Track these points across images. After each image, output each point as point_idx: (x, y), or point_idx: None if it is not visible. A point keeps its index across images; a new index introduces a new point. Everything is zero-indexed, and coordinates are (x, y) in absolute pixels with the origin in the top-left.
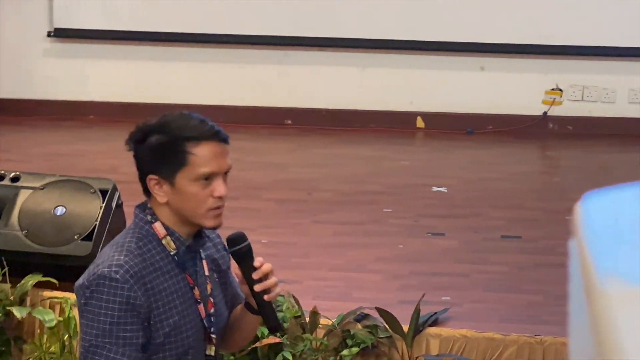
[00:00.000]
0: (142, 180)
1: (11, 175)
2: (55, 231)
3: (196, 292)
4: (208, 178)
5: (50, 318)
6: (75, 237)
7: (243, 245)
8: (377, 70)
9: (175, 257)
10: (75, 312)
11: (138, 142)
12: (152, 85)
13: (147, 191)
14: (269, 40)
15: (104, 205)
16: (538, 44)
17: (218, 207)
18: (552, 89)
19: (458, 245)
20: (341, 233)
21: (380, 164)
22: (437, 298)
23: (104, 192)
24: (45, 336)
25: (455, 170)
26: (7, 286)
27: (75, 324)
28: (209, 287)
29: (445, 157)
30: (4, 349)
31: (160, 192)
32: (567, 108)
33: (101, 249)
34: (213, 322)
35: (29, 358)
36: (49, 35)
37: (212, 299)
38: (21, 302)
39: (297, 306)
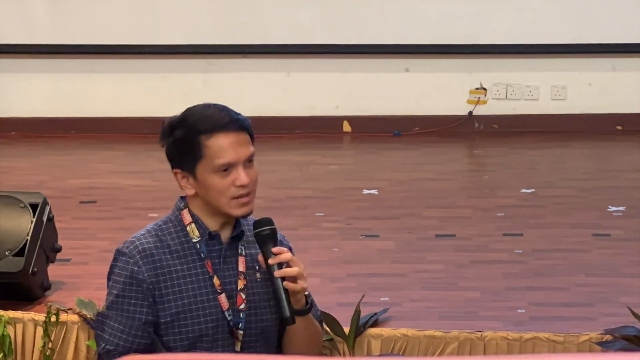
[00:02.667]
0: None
1: None
2: None
3: (216, 281)
4: (227, 168)
5: None
6: (7, 252)
7: (265, 228)
8: (302, 75)
9: (197, 245)
10: (9, 330)
11: (165, 138)
12: (74, 99)
13: None
14: (193, 49)
15: (34, 219)
16: (461, 44)
17: (242, 196)
18: (477, 88)
19: (393, 246)
20: None
21: (310, 169)
22: (376, 299)
23: (34, 206)
24: None
25: (385, 172)
26: None
27: (10, 342)
28: (240, 283)
29: (373, 159)
30: None
31: (188, 185)
32: (492, 107)
33: (33, 264)
34: (242, 318)
35: None
36: None
37: (243, 296)
38: None
39: None
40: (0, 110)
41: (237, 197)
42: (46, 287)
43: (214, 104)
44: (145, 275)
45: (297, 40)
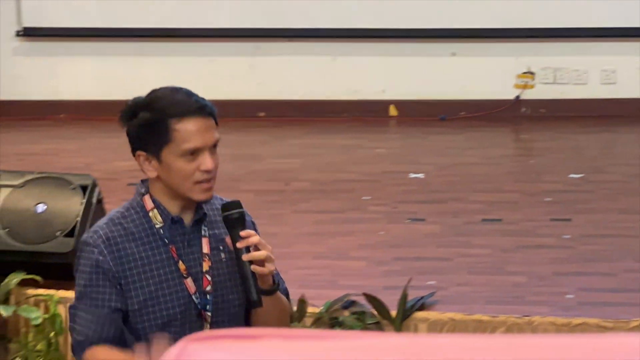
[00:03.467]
0: (135, 156)
1: None
2: (36, 228)
3: (181, 266)
4: (193, 153)
5: (36, 316)
6: (57, 233)
7: (233, 212)
8: (348, 59)
9: (161, 230)
10: (60, 309)
11: (128, 119)
12: (122, 82)
13: None
14: (240, 33)
15: (84, 201)
16: (509, 28)
17: (206, 181)
18: (524, 73)
19: (439, 230)
20: (321, 222)
21: (356, 152)
22: (422, 283)
23: (84, 188)
24: (31, 334)
25: (431, 156)
26: None
27: (61, 321)
28: (205, 265)
29: (419, 143)
30: None
31: (150, 168)
32: (540, 91)
33: None
34: (209, 300)
35: (15, 357)
36: (18, 34)
37: (208, 277)
38: (5, 300)
39: None
40: (48, 93)
41: (200, 182)
42: None
43: (181, 88)
44: (111, 264)
45: (344, 25)
